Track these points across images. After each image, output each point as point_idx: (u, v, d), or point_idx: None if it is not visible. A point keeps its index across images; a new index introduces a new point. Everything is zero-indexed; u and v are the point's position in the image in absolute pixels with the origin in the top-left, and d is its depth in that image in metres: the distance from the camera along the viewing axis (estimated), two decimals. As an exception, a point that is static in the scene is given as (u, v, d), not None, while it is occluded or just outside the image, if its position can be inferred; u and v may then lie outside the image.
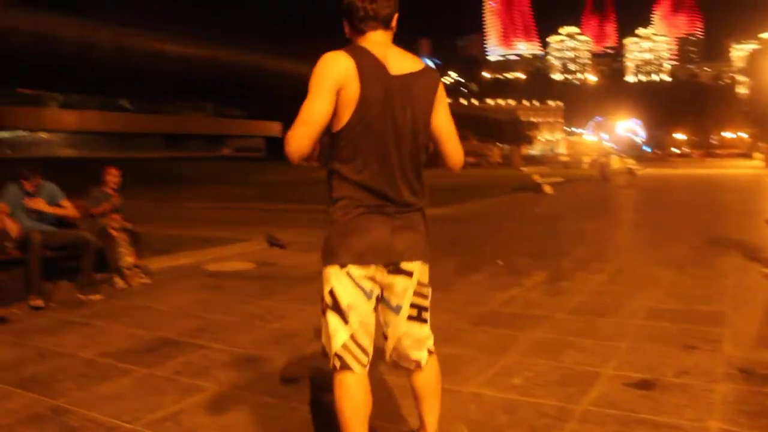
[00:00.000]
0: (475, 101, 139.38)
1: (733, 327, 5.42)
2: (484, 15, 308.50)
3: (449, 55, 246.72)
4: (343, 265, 2.45)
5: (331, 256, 2.47)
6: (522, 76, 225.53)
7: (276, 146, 54.99)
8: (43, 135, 46.43)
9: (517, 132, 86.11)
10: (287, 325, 5.62)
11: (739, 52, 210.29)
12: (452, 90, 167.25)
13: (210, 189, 26.21)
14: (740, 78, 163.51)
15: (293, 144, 2.39)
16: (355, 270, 2.44)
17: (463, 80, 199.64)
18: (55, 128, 45.87)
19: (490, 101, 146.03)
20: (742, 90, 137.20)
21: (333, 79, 2.35)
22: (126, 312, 6.23)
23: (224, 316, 5.98)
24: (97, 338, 5.36)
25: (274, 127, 58.92)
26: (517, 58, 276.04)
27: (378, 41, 2.50)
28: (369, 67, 2.38)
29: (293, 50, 61.14)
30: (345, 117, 2.38)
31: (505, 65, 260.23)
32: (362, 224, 2.43)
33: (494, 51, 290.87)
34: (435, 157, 2.70)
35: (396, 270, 2.53)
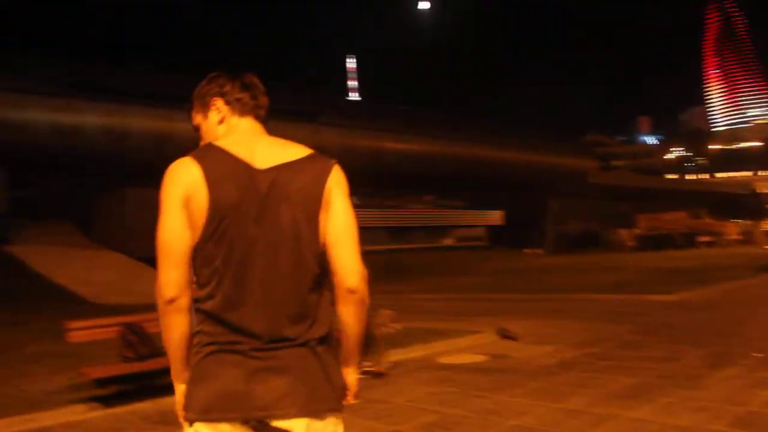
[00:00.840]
0: (704, 176, 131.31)
1: None
2: (707, 85, 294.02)
3: (671, 131, 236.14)
4: (190, 422, 1.86)
5: (181, 408, 1.91)
6: (757, 144, 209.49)
7: (497, 235, 55.38)
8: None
9: (757, 205, 79.46)
10: (525, 423, 5.42)
11: None
12: (677, 166, 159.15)
13: (434, 280, 26.63)
14: None
15: (159, 286, 1.86)
16: (202, 429, 1.83)
17: (690, 154, 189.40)
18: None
19: (721, 175, 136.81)
20: None
21: (178, 194, 1.87)
22: (362, 405, 6.36)
23: (459, 411, 5.91)
24: None
25: (494, 216, 59.39)
26: (749, 125, 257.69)
27: (243, 130, 2.08)
28: (221, 166, 1.89)
29: (510, 139, 61.96)
30: (197, 233, 1.86)
31: (735, 135, 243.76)
32: (209, 368, 1.84)
33: (720, 121, 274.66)
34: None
35: (264, 430, 1.84)
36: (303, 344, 1.87)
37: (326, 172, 1.98)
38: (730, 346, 8.42)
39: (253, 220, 1.86)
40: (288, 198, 1.89)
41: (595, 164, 75.22)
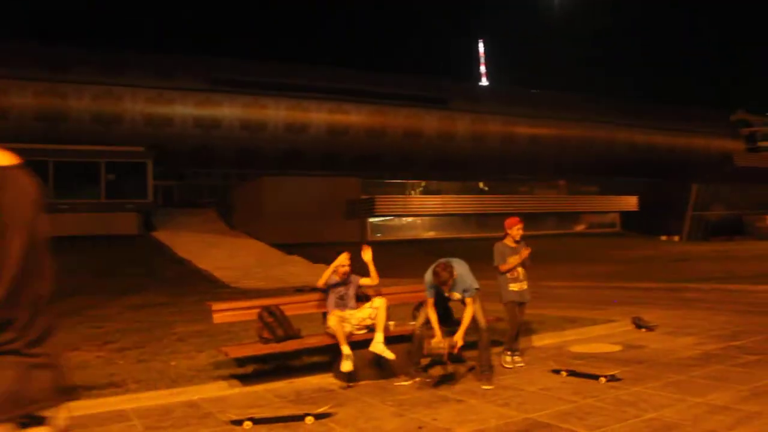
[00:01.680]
0: None
1: None
2: None
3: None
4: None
5: None
6: None
7: (631, 221, 53.47)
8: (407, 219, 51.05)
9: None
10: (664, 416, 5.26)
11: None
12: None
13: (565, 266, 26.04)
14: None
15: None
16: None
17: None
18: (416, 213, 50.21)
19: None
20: None
21: None
22: (495, 391, 6.38)
23: (593, 401, 5.80)
24: (470, 415, 5.58)
25: (628, 202, 57.38)
26: None
27: None
28: None
29: (644, 122, 59.65)
30: None
31: None
32: None
33: None
34: None
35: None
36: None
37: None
38: None
39: None
40: None
41: (741, 145, 71.13)
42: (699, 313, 11.35)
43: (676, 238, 55.16)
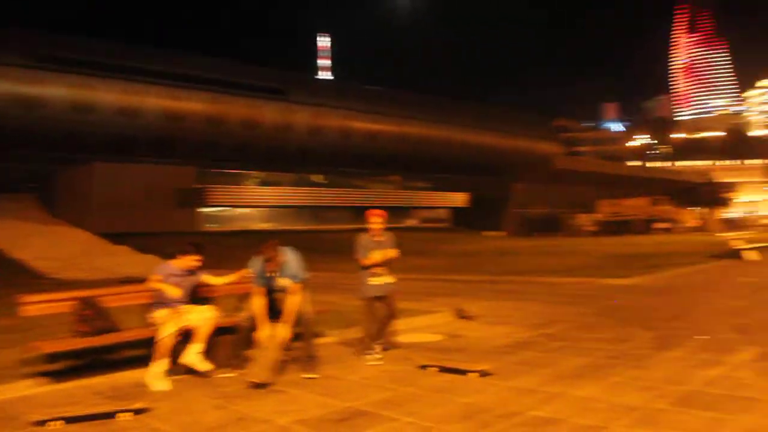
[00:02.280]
0: (667, 164, 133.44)
1: None
2: (672, 74, 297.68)
3: (638, 118, 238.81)
4: None
5: None
6: (717, 134, 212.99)
7: (461, 217, 55.83)
8: (242, 210, 50.38)
9: (713, 194, 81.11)
10: (477, 401, 5.55)
11: None
12: (640, 153, 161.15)
13: (396, 260, 26.72)
14: None
15: None
16: None
17: (655, 142, 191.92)
18: (251, 204, 49.66)
19: (682, 163, 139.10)
20: None
21: None
22: (318, 381, 6.46)
23: (413, 389, 6.02)
24: (292, 406, 5.61)
25: (459, 198, 59.80)
26: (711, 116, 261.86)
27: None
28: None
29: (477, 123, 62.29)
30: None
31: (698, 124, 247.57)
32: None
33: (684, 110, 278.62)
34: None
35: None
36: None
37: None
38: (677, 328, 8.68)
39: None
40: None
41: (560, 149, 76.04)
42: (516, 304, 12.09)
43: (501, 233, 58.20)
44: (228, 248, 25.84)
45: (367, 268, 7.45)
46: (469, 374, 6.39)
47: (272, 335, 6.56)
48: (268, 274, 6.68)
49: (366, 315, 7.56)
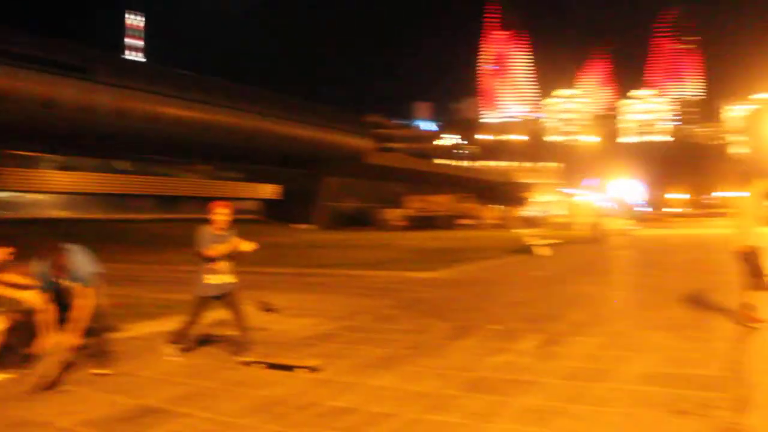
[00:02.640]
0: (472, 163, 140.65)
1: (724, 390, 5.33)
2: (480, 78, 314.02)
3: (448, 118, 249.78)
4: None
5: None
6: (519, 138, 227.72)
7: (272, 209, 55.39)
8: (39, 196, 46.84)
9: (513, 193, 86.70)
10: (274, 393, 5.52)
11: (733, 113, 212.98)
12: (449, 152, 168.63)
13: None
14: (733, 138, 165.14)
15: None
16: None
17: (465, 142, 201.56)
18: (48, 190, 46.24)
19: (487, 163, 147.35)
20: (735, 150, 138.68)
21: None
22: (109, 378, 6.11)
23: (210, 383, 5.88)
24: (77, 406, 5.26)
25: (271, 190, 59.38)
26: (515, 120, 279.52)
27: None
28: None
29: (290, 115, 62.15)
30: None
31: (503, 127, 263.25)
32: None
33: (490, 114, 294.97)
34: None
35: None
36: None
37: None
38: (472, 319, 9.13)
39: None
40: None
41: (372, 145, 77.75)
42: (322, 297, 12.19)
43: (312, 226, 58.58)
44: (22, 238, 23.93)
45: (210, 261, 6.79)
46: (297, 370, 6.26)
47: (59, 343, 5.98)
48: (54, 280, 6.04)
49: (190, 311, 6.98)
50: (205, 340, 7.79)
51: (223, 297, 6.87)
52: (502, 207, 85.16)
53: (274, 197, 58.93)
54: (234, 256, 6.94)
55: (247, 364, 6.55)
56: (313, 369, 6.24)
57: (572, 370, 6.13)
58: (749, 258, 8.20)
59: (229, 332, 8.15)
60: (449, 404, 5.09)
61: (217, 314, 9.52)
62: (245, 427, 4.66)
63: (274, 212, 59.85)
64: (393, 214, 66.38)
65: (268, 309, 10.01)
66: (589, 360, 6.55)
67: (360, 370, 6.28)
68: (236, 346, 6.94)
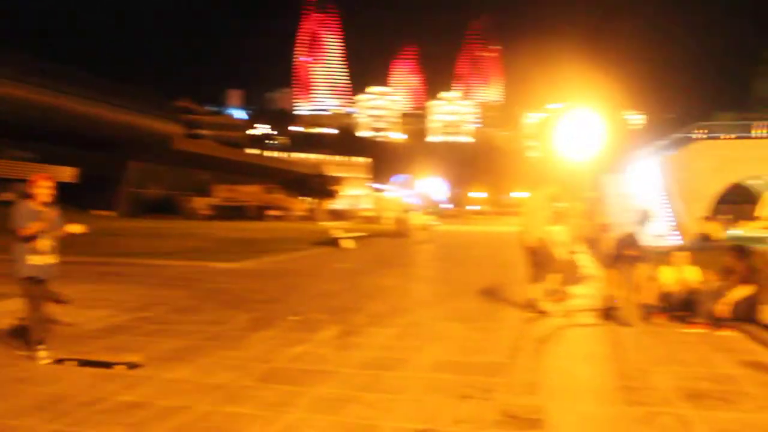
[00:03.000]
0: (283, 154, 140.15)
1: (507, 375, 5.74)
2: (295, 70, 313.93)
3: (261, 107, 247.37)
4: None
5: None
6: (331, 131, 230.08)
7: (68, 193, 51.95)
8: None
9: (322, 186, 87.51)
10: (58, 389, 5.18)
11: (531, 119, 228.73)
12: (260, 142, 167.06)
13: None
14: (530, 143, 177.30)
15: None
16: None
17: (275, 132, 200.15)
18: None
19: (298, 155, 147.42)
20: (531, 153, 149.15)
21: None
22: None
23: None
24: None
25: (65, 173, 55.56)
26: (328, 113, 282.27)
27: None
28: None
29: (89, 93, 58.55)
30: None
31: (316, 120, 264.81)
32: None
33: (304, 106, 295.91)
34: None
35: None
36: None
37: None
38: (274, 310, 9.11)
39: None
40: None
41: (181, 130, 75.24)
42: (118, 287, 11.61)
43: (111, 213, 55.68)
44: None
45: (29, 240, 6.03)
46: (116, 367, 5.85)
47: None
48: None
49: (26, 302, 6.21)
50: (-19, 334, 7.15)
51: (44, 281, 6.22)
52: (312, 199, 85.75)
53: (69, 180, 55.11)
54: (59, 236, 6.32)
55: (60, 361, 6.04)
56: (133, 365, 5.90)
57: (368, 359, 6.31)
58: (536, 253, 8.87)
59: (13, 323, 7.55)
60: (244, 395, 5.05)
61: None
62: (22, 428, 4.33)
63: (71, 197, 56.01)
64: (200, 203, 64.62)
65: (58, 300, 9.36)
66: (385, 350, 6.76)
67: (153, 362, 6.05)
68: (23, 339, 6.44)
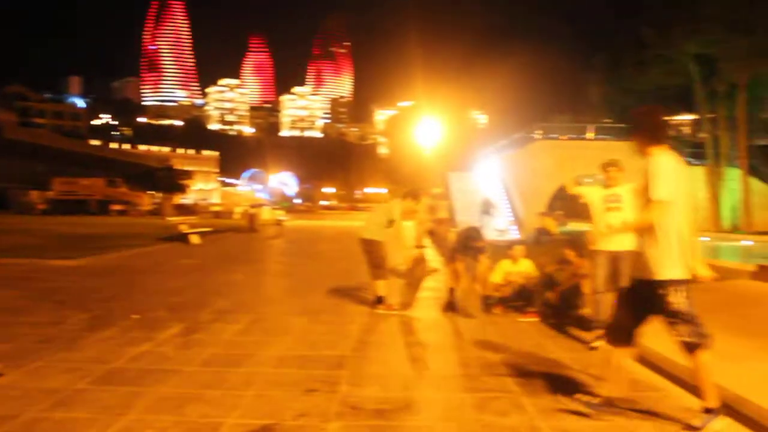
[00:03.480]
0: (128, 146, 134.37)
1: (351, 368, 5.87)
2: (142, 59, 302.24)
3: (103, 96, 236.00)
4: None
5: None
6: (179, 123, 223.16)
7: None
8: None
9: (170, 180, 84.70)
10: None
11: (381, 116, 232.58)
12: (103, 132, 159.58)
13: None
14: (381, 139, 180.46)
15: None
16: None
17: (116, 123, 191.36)
18: None
19: (144, 147, 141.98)
20: (382, 150, 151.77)
21: None
22: None
23: None
24: None
25: None
26: (175, 104, 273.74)
27: None
28: None
29: None
30: None
31: (162, 111, 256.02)
32: None
33: (151, 96, 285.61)
34: None
35: None
36: None
37: None
38: (114, 309, 8.76)
39: None
40: None
41: (14, 118, 70.50)
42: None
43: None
44: None
45: None
46: None
47: None
48: None
49: None
50: None
51: None
52: (159, 193, 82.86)
53: None
54: None
55: None
56: None
57: (211, 356, 6.24)
58: (373, 250, 9.06)
59: None
60: (79, 399, 4.85)
61: None
62: None
63: None
64: (37, 197, 60.75)
65: None
66: (229, 346, 6.71)
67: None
68: None
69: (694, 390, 4.56)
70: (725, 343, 6.52)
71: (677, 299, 4.22)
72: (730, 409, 4.61)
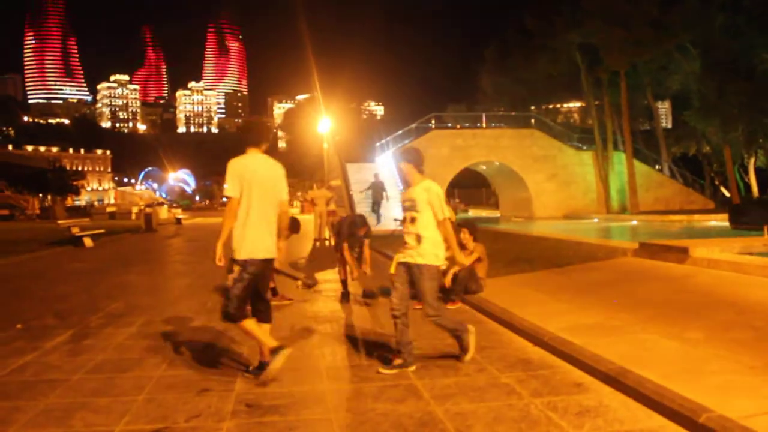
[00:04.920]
0: (10, 147, 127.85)
1: (247, 366, 5.79)
2: (25, 54, 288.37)
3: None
4: None
5: None
6: (67, 121, 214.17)
7: None
8: None
9: (61, 182, 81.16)
10: None
11: (279, 110, 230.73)
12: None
13: None
14: (280, 133, 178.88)
15: None
16: None
17: None
18: None
19: (29, 148, 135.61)
20: (281, 144, 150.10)
21: None
22: None
23: None
24: None
25: None
26: (62, 102, 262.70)
27: None
28: None
29: None
30: None
31: (48, 109, 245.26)
32: None
33: (36, 93, 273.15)
34: None
35: None
36: None
37: None
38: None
39: None
40: None
41: None
42: None
43: None
44: None
45: None
46: None
47: None
48: None
49: None
50: None
51: None
52: (48, 196, 79.33)
53: None
54: None
55: None
56: None
57: (102, 362, 6.06)
58: None
59: None
60: (-48, 418, 4.59)
61: None
62: None
63: None
64: None
65: None
66: (121, 351, 6.54)
67: None
68: None
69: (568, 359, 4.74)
70: (609, 318, 6.86)
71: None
72: (613, 380, 4.85)
